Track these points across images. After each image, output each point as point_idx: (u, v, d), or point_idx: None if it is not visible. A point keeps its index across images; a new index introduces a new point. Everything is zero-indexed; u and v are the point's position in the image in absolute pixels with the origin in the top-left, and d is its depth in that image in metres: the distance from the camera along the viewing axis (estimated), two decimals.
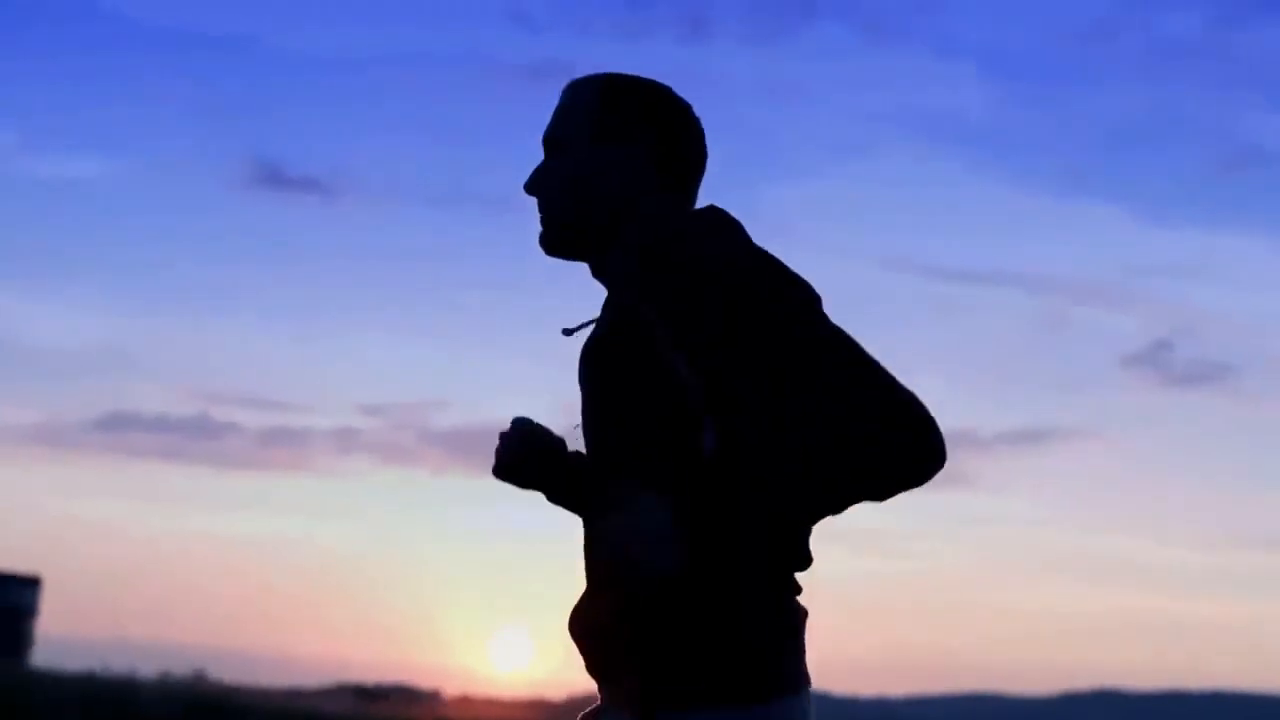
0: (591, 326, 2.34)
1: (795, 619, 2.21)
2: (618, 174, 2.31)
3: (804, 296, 2.16)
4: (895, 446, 2.07)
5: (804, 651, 2.22)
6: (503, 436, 2.38)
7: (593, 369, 2.30)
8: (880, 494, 2.11)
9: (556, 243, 2.34)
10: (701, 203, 2.36)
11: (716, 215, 2.30)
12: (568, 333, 2.36)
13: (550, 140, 2.37)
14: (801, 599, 2.25)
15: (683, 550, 2.11)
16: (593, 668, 2.28)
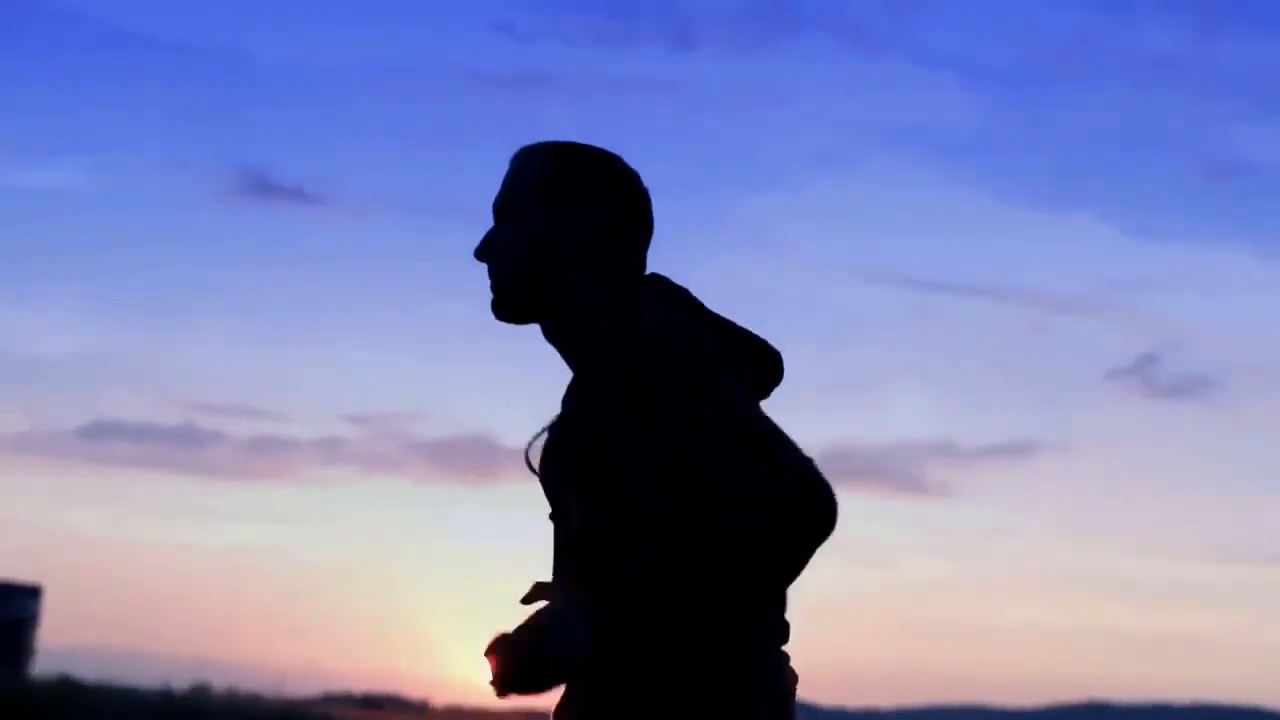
0: (543, 434, 2.34)
1: (761, 684, 2.18)
2: (567, 241, 2.31)
3: (710, 381, 2.15)
4: (796, 521, 2.06)
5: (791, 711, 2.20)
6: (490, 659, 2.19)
7: (547, 470, 2.31)
8: (787, 568, 2.10)
9: (507, 309, 2.35)
10: (652, 265, 2.37)
11: (659, 285, 2.32)
12: (530, 447, 2.35)
13: (500, 207, 2.37)
14: (792, 610, 2.24)
15: (588, 635, 2.09)
16: None
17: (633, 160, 2.41)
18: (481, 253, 2.36)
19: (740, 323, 2.34)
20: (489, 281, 2.36)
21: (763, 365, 2.33)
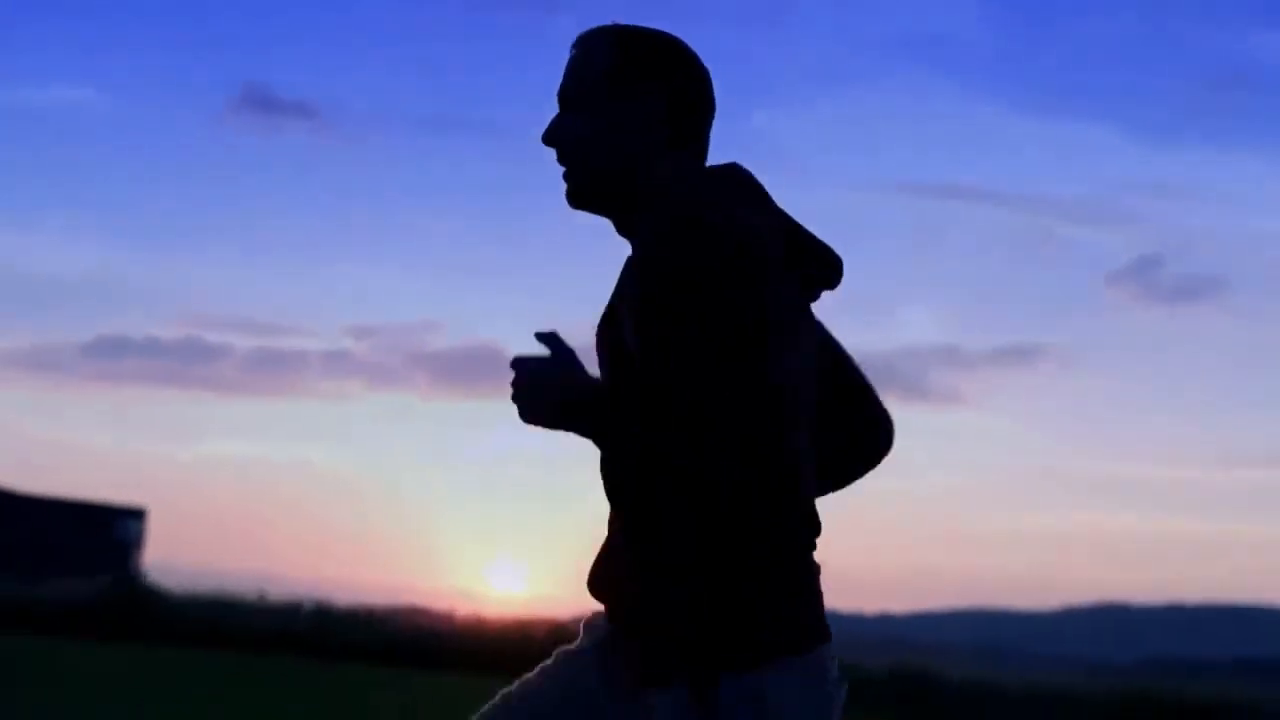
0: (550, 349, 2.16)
1: (814, 575, 2.17)
2: (634, 128, 2.21)
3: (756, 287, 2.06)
4: (867, 450, 2.35)
5: (822, 602, 2.17)
6: (513, 384, 2.10)
7: (600, 340, 2.21)
8: (846, 481, 2.37)
9: (582, 197, 2.24)
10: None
11: (736, 175, 2.22)
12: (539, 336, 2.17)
13: (566, 95, 2.25)
14: None
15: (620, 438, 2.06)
16: (617, 617, 2.22)
17: None
18: (549, 138, 2.25)
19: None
20: (561, 170, 2.25)
21: (824, 268, 2.23)
